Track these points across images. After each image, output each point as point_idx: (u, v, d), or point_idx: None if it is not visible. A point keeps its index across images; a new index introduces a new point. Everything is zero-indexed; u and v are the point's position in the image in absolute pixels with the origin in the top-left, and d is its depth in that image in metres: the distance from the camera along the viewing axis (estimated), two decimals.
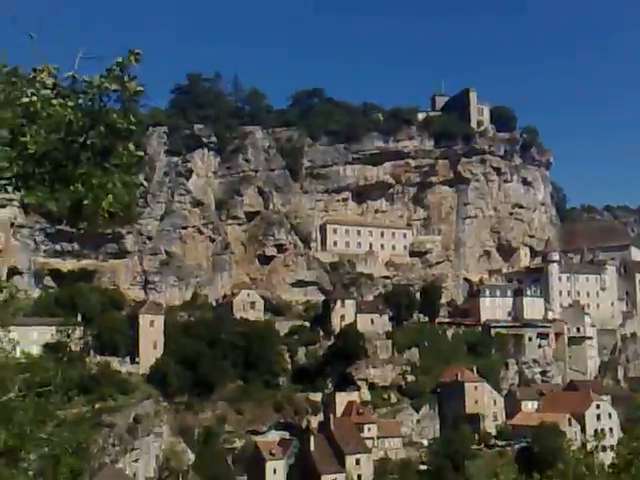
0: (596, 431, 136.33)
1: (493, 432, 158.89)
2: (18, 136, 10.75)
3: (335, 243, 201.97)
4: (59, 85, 10.99)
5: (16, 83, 11.00)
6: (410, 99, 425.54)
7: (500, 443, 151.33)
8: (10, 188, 11.60)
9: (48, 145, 10.80)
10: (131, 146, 11.12)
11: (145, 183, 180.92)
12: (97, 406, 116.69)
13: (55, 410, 23.00)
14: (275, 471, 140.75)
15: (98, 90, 10.72)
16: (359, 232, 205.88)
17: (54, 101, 10.70)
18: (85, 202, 11.00)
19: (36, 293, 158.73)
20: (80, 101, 10.86)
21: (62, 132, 10.79)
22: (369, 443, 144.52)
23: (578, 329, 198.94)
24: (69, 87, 10.90)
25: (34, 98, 10.64)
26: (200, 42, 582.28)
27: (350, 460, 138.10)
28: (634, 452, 19.73)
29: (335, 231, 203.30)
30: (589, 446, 22.76)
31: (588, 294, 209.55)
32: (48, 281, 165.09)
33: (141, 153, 11.26)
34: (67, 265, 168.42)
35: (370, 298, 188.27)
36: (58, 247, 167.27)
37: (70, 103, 10.78)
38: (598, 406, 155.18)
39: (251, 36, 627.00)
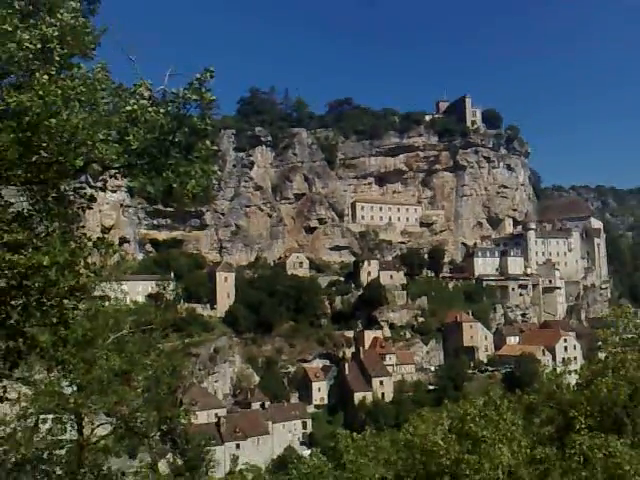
0: (564, 359, 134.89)
1: (485, 360, 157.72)
2: (124, 136, 10.86)
3: (363, 217, 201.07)
4: (153, 96, 11.04)
5: (121, 95, 11.09)
6: (419, 105, 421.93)
7: (490, 369, 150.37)
8: (119, 176, 11.76)
9: (146, 142, 10.91)
10: (208, 142, 11.19)
11: (219, 172, 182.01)
12: (186, 341, 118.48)
13: (156, 343, 23.35)
14: (319, 389, 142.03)
15: (182, 100, 10.78)
16: (381, 208, 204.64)
17: (150, 109, 10.78)
18: (174, 185, 11.14)
19: (140, 257, 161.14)
20: (169, 108, 10.92)
21: (156, 132, 10.88)
22: (390, 369, 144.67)
23: (550, 281, 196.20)
24: (161, 98, 10.98)
25: (135, 107, 10.73)
26: (259, 63, 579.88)
27: (375, 381, 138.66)
28: (593, 374, 19.46)
29: (362, 208, 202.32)
30: (559, 370, 22.45)
31: (558, 254, 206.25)
32: (148, 248, 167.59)
33: (215, 148, 11.32)
34: (162, 235, 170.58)
35: (389, 258, 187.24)
36: (155, 222, 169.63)
37: (162, 110, 10.85)
38: (565, 340, 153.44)
39: (296, 57, 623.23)
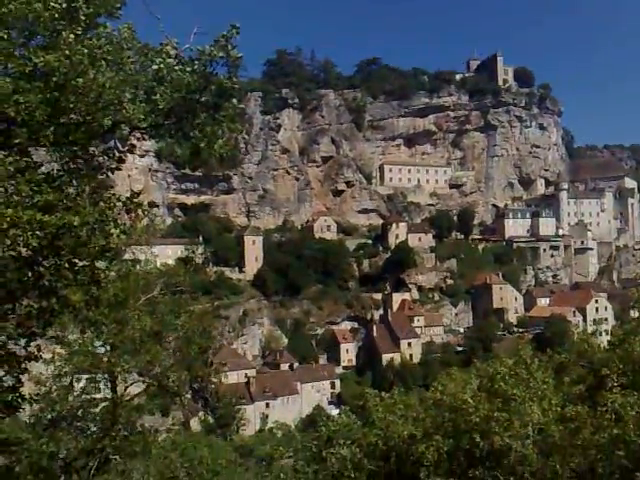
0: (595, 320, 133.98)
1: (514, 322, 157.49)
2: (151, 95, 10.83)
3: (391, 179, 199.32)
4: (179, 55, 10.95)
5: (147, 55, 11.03)
6: (449, 64, 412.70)
7: (520, 330, 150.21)
8: (147, 137, 11.79)
9: (173, 102, 10.86)
10: (234, 101, 11.10)
11: (246, 136, 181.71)
12: (216, 303, 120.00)
13: (186, 305, 23.66)
14: (347, 351, 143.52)
15: (208, 57, 10.67)
16: (409, 170, 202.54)
17: (176, 67, 10.71)
18: (201, 145, 11.12)
19: (169, 220, 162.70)
20: (195, 67, 10.83)
21: (183, 91, 10.81)
22: (418, 331, 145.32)
23: (582, 242, 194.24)
24: (187, 57, 10.89)
25: (161, 65, 10.66)
26: (285, 23, 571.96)
27: (404, 343, 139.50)
28: (626, 333, 19.30)
29: (390, 170, 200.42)
30: (590, 329, 22.30)
31: (590, 214, 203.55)
32: (177, 212, 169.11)
33: (242, 106, 11.29)
34: (190, 200, 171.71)
35: (418, 221, 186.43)
36: (183, 186, 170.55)
37: (188, 69, 10.77)
38: (597, 301, 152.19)
39: (324, 17, 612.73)
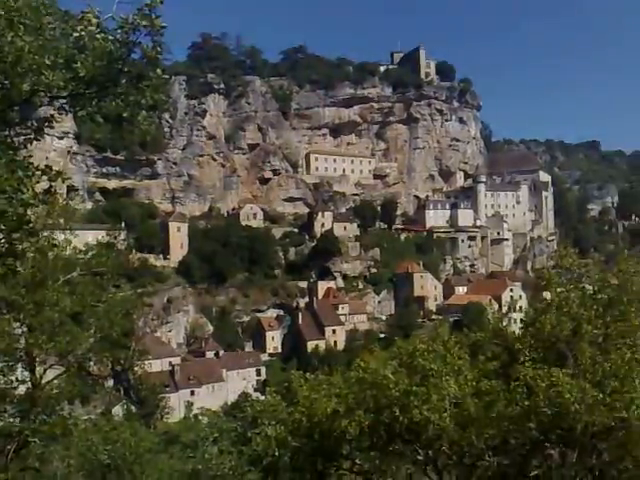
0: (509, 306, 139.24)
1: (434, 309, 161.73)
2: (71, 63, 10.47)
3: (317, 168, 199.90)
4: (101, 23, 10.63)
5: (68, 22, 10.67)
6: (374, 55, 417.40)
7: (439, 317, 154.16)
8: (67, 107, 11.36)
9: (94, 70, 10.52)
10: (158, 71, 10.85)
11: (170, 120, 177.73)
12: (139, 291, 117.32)
13: (108, 286, 23.02)
14: (273, 339, 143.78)
15: (131, 26, 10.40)
16: (335, 160, 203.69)
17: (98, 35, 10.39)
18: (124, 115, 10.83)
19: (89, 205, 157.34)
20: (118, 35, 10.54)
21: (105, 60, 10.51)
22: (342, 318, 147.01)
23: (498, 233, 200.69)
24: (109, 25, 10.57)
25: (83, 33, 10.33)
26: (210, 7, 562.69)
27: (328, 330, 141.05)
28: (538, 311, 20.20)
29: (317, 159, 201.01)
30: (504, 309, 23.31)
31: (506, 206, 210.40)
32: (98, 196, 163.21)
33: (167, 76, 11.01)
34: (112, 184, 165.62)
35: (343, 210, 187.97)
36: (105, 170, 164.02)
37: (110, 37, 10.48)
38: (511, 290, 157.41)
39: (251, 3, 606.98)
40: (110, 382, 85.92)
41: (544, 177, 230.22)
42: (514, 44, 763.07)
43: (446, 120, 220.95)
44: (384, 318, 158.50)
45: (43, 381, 20.00)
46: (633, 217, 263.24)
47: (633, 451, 16.31)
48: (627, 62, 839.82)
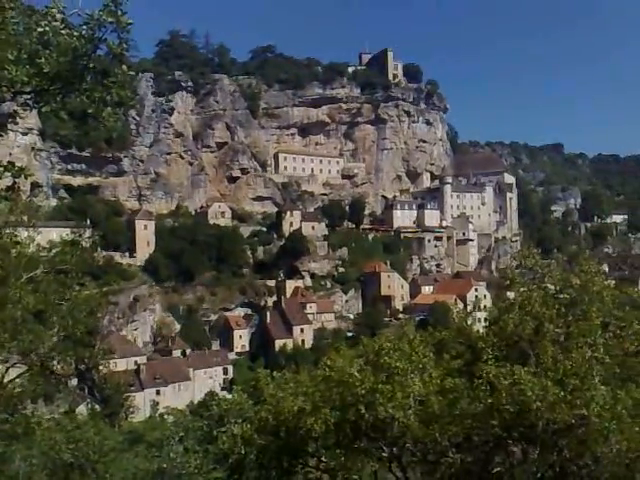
0: (474, 306, 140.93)
1: (400, 309, 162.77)
2: (35, 58, 10.31)
3: (285, 167, 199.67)
4: (66, 19, 10.49)
5: (32, 17, 10.51)
6: (342, 56, 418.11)
7: (405, 316, 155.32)
8: (31, 102, 11.17)
9: (59, 66, 10.39)
10: (124, 67, 10.74)
11: (137, 118, 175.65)
12: (105, 289, 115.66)
13: (73, 284, 22.64)
14: (241, 337, 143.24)
15: (97, 22, 10.28)
16: (303, 159, 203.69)
17: (63, 31, 10.26)
18: (89, 111, 10.69)
19: (53, 202, 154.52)
20: (83, 31, 10.41)
21: (70, 56, 10.37)
22: (310, 317, 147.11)
23: (464, 233, 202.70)
24: (75, 21, 10.44)
25: (47, 28, 10.19)
26: (178, 4, 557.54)
27: (296, 329, 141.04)
28: (501, 311, 20.48)
29: (285, 158, 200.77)
30: (469, 308, 23.57)
31: (472, 207, 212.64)
32: (62, 193, 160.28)
33: (133, 73, 10.90)
34: (77, 181, 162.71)
35: (311, 210, 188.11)
36: (70, 167, 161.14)
37: (75, 33, 10.34)
38: (476, 289, 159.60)
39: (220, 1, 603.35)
40: (74, 381, 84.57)
41: (509, 179, 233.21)
42: (480, 50, 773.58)
43: (413, 122, 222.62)
44: (351, 317, 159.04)
45: (5, 380, 19.59)
46: (595, 218, 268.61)
47: (592, 447, 16.61)
48: (589, 68, 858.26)
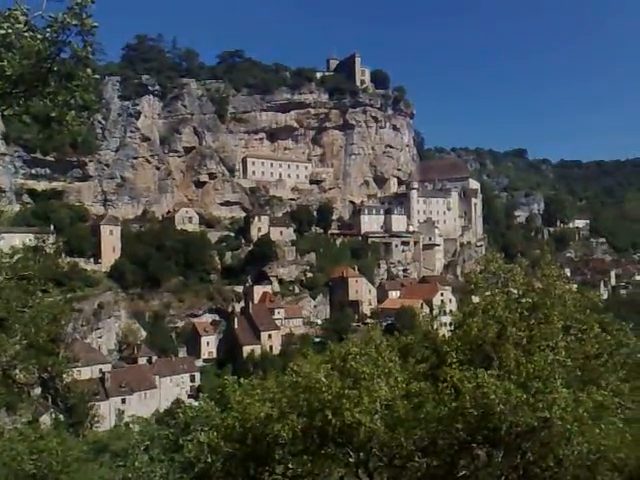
0: (440, 310, 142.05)
1: (368, 313, 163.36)
2: None
3: (253, 172, 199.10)
4: (30, 21, 10.36)
5: None
6: (310, 61, 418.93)
7: (373, 321, 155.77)
8: None
9: (22, 69, 10.25)
10: (89, 71, 10.64)
11: (102, 122, 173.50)
12: (69, 296, 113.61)
13: (35, 291, 22.22)
14: (208, 344, 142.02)
15: (61, 25, 10.17)
16: (272, 164, 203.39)
17: (26, 34, 10.13)
18: (53, 114, 10.55)
19: (17, 207, 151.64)
20: (47, 34, 10.29)
21: (33, 59, 10.24)
22: (278, 322, 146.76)
23: (430, 238, 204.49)
24: (38, 24, 10.31)
25: (9, 31, 10.05)
26: (145, 8, 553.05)
27: (264, 335, 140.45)
28: (465, 315, 20.72)
29: (253, 163, 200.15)
30: (434, 312, 23.78)
31: (438, 213, 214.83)
32: (26, 198, 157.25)
33: (97, 76, 10.80)
34: (41, 186, 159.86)
35: (280, 215, 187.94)
36: (34, 171, 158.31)
37: (39, 36, 10.22)
38: (442, 294, 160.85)
39: (188, 5, 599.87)
40: (37, 390, 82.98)
41: (473, 184, 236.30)
42: (446, 58, 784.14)
43: (380, 127, 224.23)
44: (320, 322, 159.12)
45: None
46: (558, 223, 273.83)
47: (555, 450, 16.83)
48: (551, 76, 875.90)
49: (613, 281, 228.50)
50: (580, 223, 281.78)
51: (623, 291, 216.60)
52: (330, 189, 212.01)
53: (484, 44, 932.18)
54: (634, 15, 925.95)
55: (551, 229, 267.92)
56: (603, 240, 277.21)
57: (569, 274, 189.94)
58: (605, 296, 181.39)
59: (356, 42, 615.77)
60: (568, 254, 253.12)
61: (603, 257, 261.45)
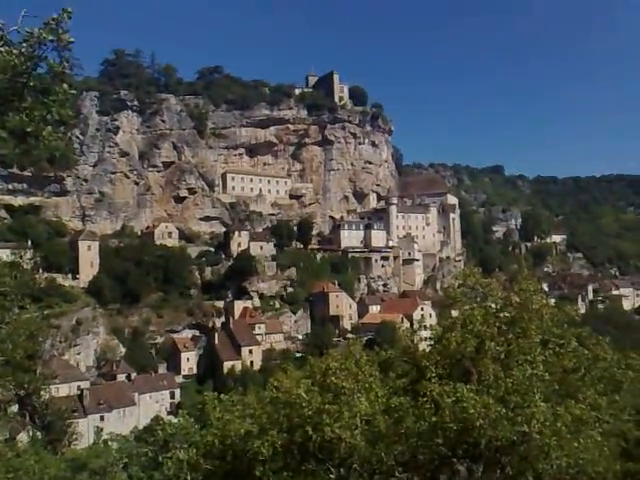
0: (420, 324, 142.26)
1: (349, 328, 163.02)
2: None
3: (233, 188, 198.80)
4: (5, 36, 10.25)
5: None
6: (289, 78, 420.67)
7: (353, 336, 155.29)
8: None
9: None
10: (65, 86, 10.54)
11: (80, 137, 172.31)
12: (46, 312, 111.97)
13: (12, 307, 21.82)
14: (188, 360, 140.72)
15: (37, 40, 10.09)
16: (251, 180, 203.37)
17: (1, 48, 10.01)
18: (29, 130, 10.42)
19: None
20: (23, 49, 10.18)
21: (9, 73, 10.13)
22: (259, 338, 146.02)
23: (409, 253, 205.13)
24: (14, 38, 10.20)
25: None
26: (124, 23, 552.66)
27: (245, 350, 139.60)
28: (444, 329, 20.73)
29: (233, 178, 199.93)
30: (415, 327, 23.75)
31: (417, 228, 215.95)
32: (3, 214, 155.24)
33: (74, 91, 10.69)
34: (18, 201, 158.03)
35: (260, 230, 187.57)
36: (10, 186, 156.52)
37: (15, 50, 10.11)
38: (422, 308, 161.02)
39: (167, 21, 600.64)
40: (14, 407, 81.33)
41: (452, 200, 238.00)
42: (423, 75, 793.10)
43: (359, 143, 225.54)
44: (300, 337, 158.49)
45: None
46: (535, 238, 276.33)
47: (534, 464, 16.84)
48: (526, 92, 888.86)
49: (590, 295, 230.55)
50: (557, 238, 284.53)
51: (600, 305, 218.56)
52: (310, 204, 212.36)
53: (460, 61, 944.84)
54: (610, 30, 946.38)
55: (528, 244, 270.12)
56: (580, 255, 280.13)
57: (547, 289, 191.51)
58: (582, 310, 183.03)
59: (335, 57, 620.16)
60: (545, 269, 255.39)
61: (580, 272, 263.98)
